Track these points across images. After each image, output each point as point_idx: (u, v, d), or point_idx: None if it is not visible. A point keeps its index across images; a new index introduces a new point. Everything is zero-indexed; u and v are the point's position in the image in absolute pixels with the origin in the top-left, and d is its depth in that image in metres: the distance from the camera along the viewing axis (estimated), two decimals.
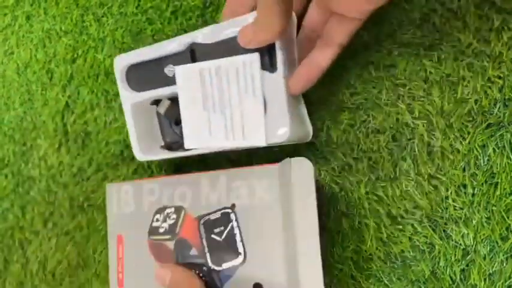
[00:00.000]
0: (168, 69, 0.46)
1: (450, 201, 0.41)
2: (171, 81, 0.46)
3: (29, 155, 0.63)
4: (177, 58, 0.45)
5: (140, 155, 0.49)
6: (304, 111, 0.44)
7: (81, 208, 0.59)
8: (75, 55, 0.61)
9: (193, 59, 0.44)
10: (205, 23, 0.53)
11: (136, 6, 0.57)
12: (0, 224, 0.65)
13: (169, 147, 0.50)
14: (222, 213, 0.43)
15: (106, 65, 0.58)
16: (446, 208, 0.41)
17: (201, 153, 0.46)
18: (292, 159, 0.39)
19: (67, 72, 0.61)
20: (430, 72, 0.42)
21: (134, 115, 0.49)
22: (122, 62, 0.48)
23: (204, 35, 0.43)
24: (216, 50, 0.43)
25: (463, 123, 0.40)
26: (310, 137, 0.45)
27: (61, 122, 0.61)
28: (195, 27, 0.53)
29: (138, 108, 0.49)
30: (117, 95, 0.57)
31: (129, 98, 0.49)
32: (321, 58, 0.40)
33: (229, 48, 0.42)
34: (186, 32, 0.54)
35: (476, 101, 0.40)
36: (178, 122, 0.49)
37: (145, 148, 0.49)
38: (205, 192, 0.44)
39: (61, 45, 0.62)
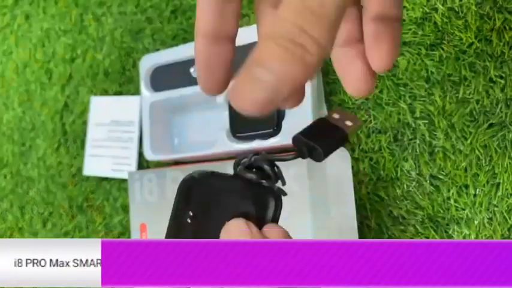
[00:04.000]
0: (194, 70, 0.47)
1: (452, 201, 0.40)
2: (194, 81, 0.47)
3: (27, 155, 0.63)
4: None
5: (150, 154, 0.49)
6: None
7: (80, 209, 0.58)
8: (74, 55, 0.61)
9: None
10: None
11: (136, 5, 0.57)
12: None
13: None
14: None
15: (105, 65, 0.58)
16: (448, 209, 0.41)
17: (213, 155, 0.46)
18: None
19: (66, 72, 0.61)
20: (432, 72, 0.41)
21: (151, 115, 0.49)
22: (148, 62, 0.50)
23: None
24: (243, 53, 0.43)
25: (464, 123, 0.40)
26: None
27: (60, 122, 0.61)
28: (194, 27, 0.53)
29: (156, 108, 0.50)
30: (116, 94, 0.57)
31: (149, 97, 0.50)
32: None
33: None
34: (185, 31, 0.53)
35: (478, 101, 0.40)
36: None
37: (156, 148, 0.50)
38: None
39: (60, 45, 0.62)
